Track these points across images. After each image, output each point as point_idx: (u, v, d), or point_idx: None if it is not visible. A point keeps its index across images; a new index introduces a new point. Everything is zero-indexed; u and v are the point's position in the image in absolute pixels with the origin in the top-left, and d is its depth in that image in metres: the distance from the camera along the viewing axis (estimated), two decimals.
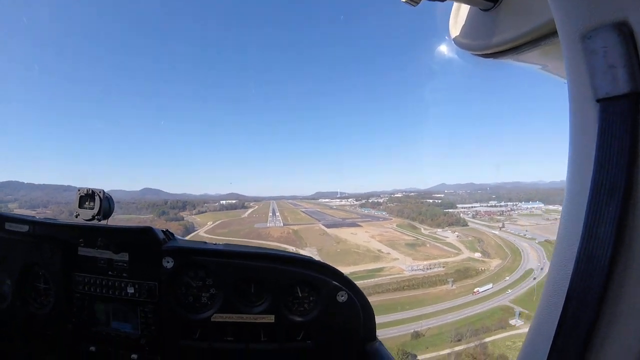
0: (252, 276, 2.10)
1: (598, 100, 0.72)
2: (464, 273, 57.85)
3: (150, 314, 2.06)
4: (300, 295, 2.13)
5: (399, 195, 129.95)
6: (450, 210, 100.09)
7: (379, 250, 68.18)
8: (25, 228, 2.16)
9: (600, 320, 0.70)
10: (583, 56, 0.75)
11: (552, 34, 1.01)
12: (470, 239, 74.55)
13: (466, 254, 66.68)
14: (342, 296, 2.09)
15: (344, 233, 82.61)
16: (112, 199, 2.23)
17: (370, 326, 2.19)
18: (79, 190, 2.14)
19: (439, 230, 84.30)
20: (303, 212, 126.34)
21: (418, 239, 76.51)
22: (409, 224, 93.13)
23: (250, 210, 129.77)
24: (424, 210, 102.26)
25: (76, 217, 2.14)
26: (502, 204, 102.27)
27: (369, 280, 53.90)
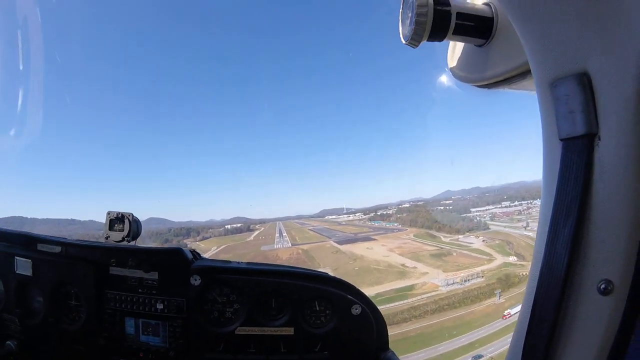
0: (273, 291, 2.15)
1: (561, 140, 0.84)
2: (506, 281, 48.34)
3: (178, 328, 2.11)
4: (317, 308, 2.17)
5: (407, 205, 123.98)
6: (465, 215, 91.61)
7: (403, 265, 58.63)
8: (57, 249, 2.18)
9: (560, 323, 0.84)
10: (551, 100, 0.85)
11: None
12: (497, 242, 65.91)
13: (500, 259, 57.70)
14: (356, 309, 2.12)
15: (358, 249, 73.57)
16: (139, 222, 2.31)
17: (383, 337, 2.22)
18: (108, 214, 2.23)
19: (460, 236, 76.36)
20: (311, 230, 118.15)
21: (442, 248, 67.17)
22: (426, 233, 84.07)
23: (256, 233, 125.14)
24: (439, 217, 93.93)
25: (107, 238, 2.24)
26: (516, 203, 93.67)
27: (401, 303, 44.56)
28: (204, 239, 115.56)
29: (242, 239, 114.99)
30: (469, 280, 49.90)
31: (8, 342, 2.27)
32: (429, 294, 47.12)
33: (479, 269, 54.01)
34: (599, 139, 0.77)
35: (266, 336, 2.12)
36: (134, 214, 2.30)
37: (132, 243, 2.28)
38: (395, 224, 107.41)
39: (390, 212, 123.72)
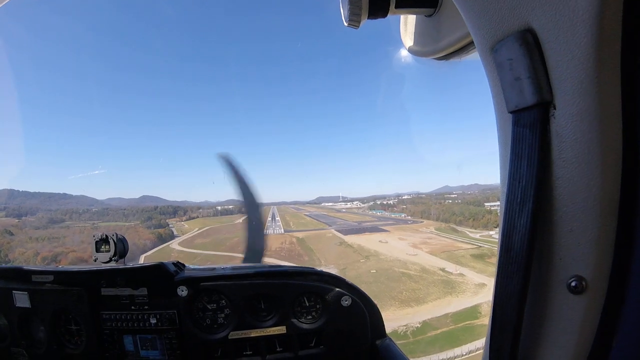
0: (261, 293, 2.09)
1: (510, 112, 0.68)
2: None
3: (174, 340, 2.08)
4: (307, 304, 2.11)
5: (407, 197, 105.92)
6: (480, 207, 72.36)
7: (443, 270, 38.22)
8: (50, 278, 2.14)
9: (527, 325, 0.70)
10: (495, 68, 0.69)
11: None
12: None
13: None
14: (346, 301, 2.07)
15: (369, 241, 53.43)
16: (125, 240, 2.30)
17: (378, 325, 2.14)
18: (94, 237, 2.23)
19: (491, 232, 57.49)
20: (307, 215, 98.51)
21: (480, 246, 47.09)
22: (448, 226, 63.54)
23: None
24: (458, 209, 74.33)
25: (95, 260, 2.21)
26: None
27: (478, 348, 23.40)
28: (190, 219, 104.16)
29: (230, 221, 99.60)
30: None
31: None
32: None
33: None
34: (554, 108, 0.61)
35: (261, 337, 2.07)
36: (122, 229, 2.13)
37: (121, 261, 2.22)
38: (403, 215, 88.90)
39: (392, 202, 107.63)
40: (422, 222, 71.73)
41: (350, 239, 56.39)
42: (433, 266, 39.85)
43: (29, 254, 56.09)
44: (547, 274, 0.66)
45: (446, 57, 1.15)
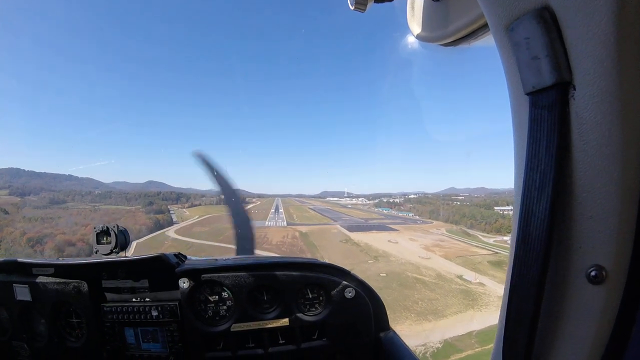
0: (263, 285, 2.05)
1: (527, 94, 0.65)
2: None
3: (175, 332, 2.05)
4: (310, 296, 2.07)
5: (414, 196, 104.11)
6: (491, 211, 68.44)
7: (461, 277, 34.51)
8: (51, 271, 2.10)
9: (544, 316, 0.67)
10: (510, 48, 0.67)
11: None
12: None
13: None
14: (349, 292, 2.02)
15: (377, 240, 49.71)
16: (126, 232, 2.23)
17: (382, 317, 2.10)
18: (94, 228, 2.17)
19: (505, 238, 53.14)
20: (312, 209, 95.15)
21: (497, 252, 42.99)
22: (460, 229, 59.61)
23: (249, 206, 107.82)
24: (468, 212, 70.34)
25: (96, 253, 2.15)
26: None
27: None
28: (192, 206, 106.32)
29: None
30: None
31: None
32: None
33: None
34: (574, 89, 0.58)
35: (263, 329, 2.02)
36: (119, 228, 2.15)
37: (122, 254, 2.14)
38: (411, 214, 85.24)
39: (398, 200, 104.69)
40: (431, 222, 68.04)
41: (357, 236, 52.82)
42: (449, 272, 36.17)
43: (17, 233, 53.58)
44: (565, 263, 0.63)
45: (454, 42, 1.09)
